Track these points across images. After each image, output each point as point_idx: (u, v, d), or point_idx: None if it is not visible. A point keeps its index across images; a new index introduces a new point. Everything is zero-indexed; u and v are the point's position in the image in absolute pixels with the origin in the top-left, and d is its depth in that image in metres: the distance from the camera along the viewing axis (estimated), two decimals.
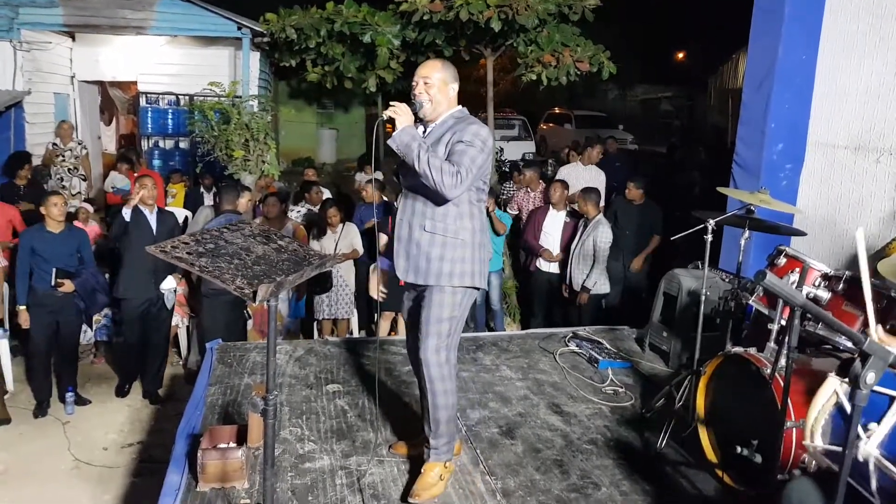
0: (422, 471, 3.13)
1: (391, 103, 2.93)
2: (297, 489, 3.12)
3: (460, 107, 3.09)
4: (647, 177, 7.20)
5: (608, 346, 4.96)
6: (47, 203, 5.26)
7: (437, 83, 3.00)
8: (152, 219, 5.54)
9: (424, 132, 3.06)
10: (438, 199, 2.93)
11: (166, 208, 6.46)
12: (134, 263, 5.48)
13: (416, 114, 2.97)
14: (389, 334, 6.36)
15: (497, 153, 11.98)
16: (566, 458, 3.49)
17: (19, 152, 7.78)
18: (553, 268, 6.54)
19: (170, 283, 5.65)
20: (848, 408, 2.33)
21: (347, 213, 7.15)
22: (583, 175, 7.64)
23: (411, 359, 3.33)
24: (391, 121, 2.90)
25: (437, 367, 3.01)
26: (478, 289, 3.09)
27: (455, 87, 3.07)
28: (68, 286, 5.29)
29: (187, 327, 6.50)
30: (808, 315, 2.84)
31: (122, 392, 5.92)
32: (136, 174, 8.33)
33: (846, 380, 1.41)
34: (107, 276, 5.96)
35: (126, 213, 5.36)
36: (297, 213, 7.25)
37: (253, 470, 3.16)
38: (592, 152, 7.99)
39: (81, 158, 8.66)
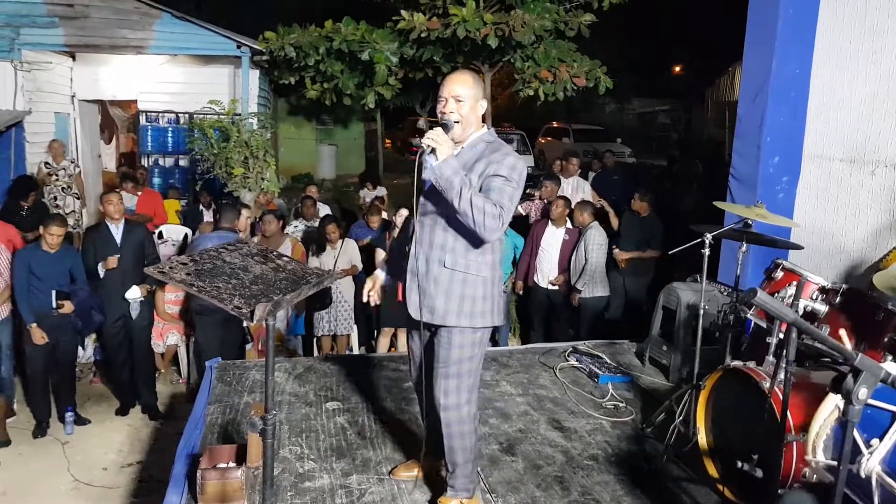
0: (437, 502, 3.08)
1: (426, 130, 2.65)
2: None
3: (487, 127, 2.89)
4: (650, 190, 7.20)
5: (608, 361, 4.96)
6: (48, 229, 5.25)
7: (468, 101, 2.74)
8: (118, 232, 5.59)
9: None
10: (464, 233, 2.71)
11: (167, 225, 6.48)
12: (104, 280, 5.55)
13: (444, 125, 2.71)
14: (389, 350, 6.36)
15: None
16: (567, 475, 3.48)
17: (26, 178, 7.79)
18: (553, 287, 6.53)
19: (134, 293, 5.65)
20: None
21: (348, 229, 7.17)
22: (564, 188, 7.67)
23: (417, 390, 3.21)
24: (431, 149, 2.60)
25: (456, 410, 2.84)
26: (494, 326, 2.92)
27: (485, 105, 2.83)
28: (68, 307, 5.30)
29: (187, 346, 6.50)
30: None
31: (123, 412, 5.91)
32: (139, 193, 8.39)
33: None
34: None
35: (101, 270, 5.48)
36: (293, 227, 7.26)
37: (252, 490, 3.15)
38: (569, 166, 8.05)
39: (75, 177, 8.67)
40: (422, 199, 2.83)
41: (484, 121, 2.92)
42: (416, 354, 3.10)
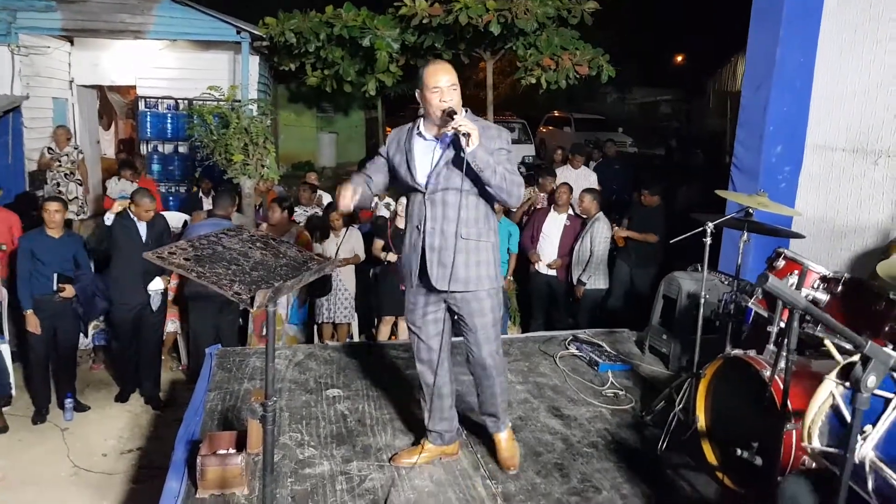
0: (503, 441, 3.39)
1: (455, 117, 2.82)
2: (297, 495, 3.11)
3: (464, 108, 3.03)
4: (658, 182, 7.19)
5: (608, 349, 4.96)
6: (45, 206, 5.26)
7: (458, 87, 2.99)
8: (142, 225, 5.54)
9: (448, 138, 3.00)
10: (472, 204, 3.00)
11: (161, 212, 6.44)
12: (123, 268, 5.50)
13: (452, 112, 2.87)
14: (390, 338, 6.36)
15: None
16: (567, 462, 3.48)
17: (30, 196, 7.73)
18: (551, 272, 6.54)
19: (157, 285, 5.64)
20: (844, 410, 2.33)
21: (351, 216, 7.14)
22: (571, 177, 7.69)
23: (427, 368, 3.27)
24: (462, 133, 2.79)
25: (502, 366, 3.28)
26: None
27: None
28: (69, 291, 5.29)
29: (185, 332, 6.50)
30: (808, 317, 2.83)
31: (123, 398, 5.91)
32: (138, 181, 8.36)
33: (844, 382, 1.41)
34: None
35: (108, 218, 5.38)
36: (297, 214, 7.24)
37: (253, 476, 3.15)
38: (574, 160, 8.10)
39: (78, 163, 8.65)
40: (431, 179, 3.03)
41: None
42: (429, 331, 3.23)
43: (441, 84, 2.92)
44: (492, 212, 3.15)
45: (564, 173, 7.99)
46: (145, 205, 5.44)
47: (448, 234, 3.00)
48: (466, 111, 2.99)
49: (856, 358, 1.52)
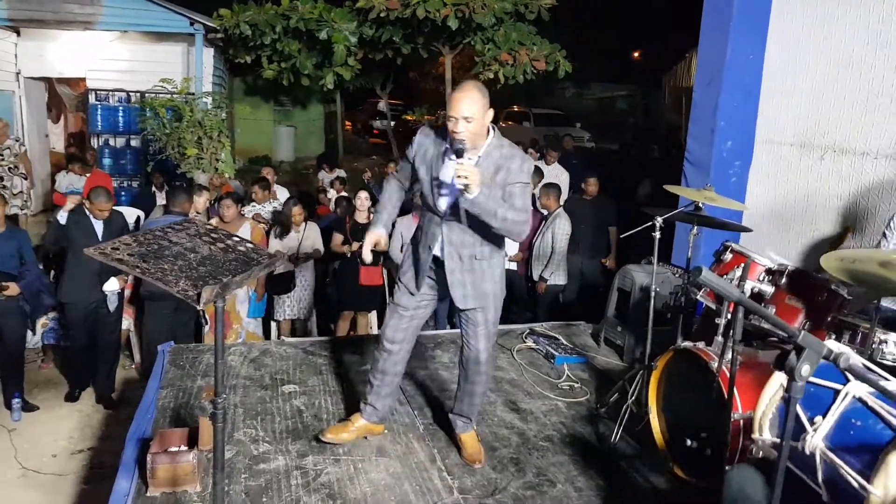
0: (469, 439, 3.48)
1: (458, 165, 2.80)
2: (252, 491, 3.08)
3: (491, 127, 3.04)
4: (601, 173, 7.30)
5: (564, 342, 5.01)
6: None
7: (478, 118, 2.89)
8: (98, 223, 5.41)
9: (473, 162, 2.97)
10: (485, 234, 3.09)
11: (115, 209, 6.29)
12: (78, 266, 5.36)
13: (459, 150, 2.84)
14: (349, 334, 6.32)
15: None
16: (522, 456, 3.51)
17: None
18: (510, 264, 6.58)
19: (113, 285, 5.51)
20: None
21: (309, 212, 7.08)
22: (546, 174, 7.76)
23: (392, 340, 3.39)
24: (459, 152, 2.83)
25: (493, 363, 3.54)
26: None
27: (491, 113, 2.99)
28: (13, 289, 5.13)
29: (138, 331, 6.37)
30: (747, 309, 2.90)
31: (72, 397, 5.77)
32: (88, 174, 8.16)
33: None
34: (51, 279, 5.81)
35: (62, 216, 5.26)
36: (247, 212, 7.13)
37: (206, 473, 3.11)
38: (548, 156, 8.15)
39: (21, 156, 8.39)
40: (446, 205, 3.10)
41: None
42: (413, 317, 3.38)
43: (455, 113, 2.86)
44: None
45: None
46: (100, 203, 5.30)
47: (464, 256, 3.16)
48: (493, 131, 3.02)
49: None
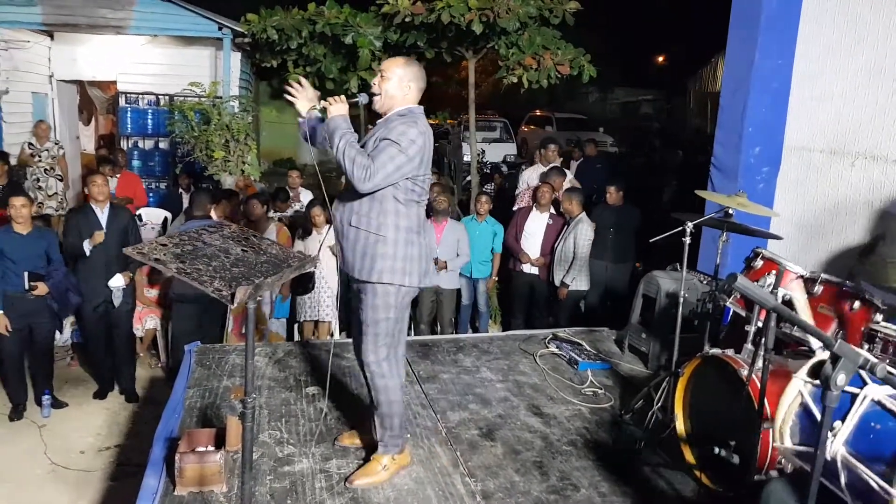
0: (370, 459, 3.27)
1: (330, 98, 3.01)
2: (276, 493, 3.10)
3: (413, 106, 3.09)
4: (625, 179, 7.25)
5: (588, 348, 4.99)
6: (11, 202, 5.18)
7: (393, 78, 3.03)
8: (103, 216, 5.51)
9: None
10: (359, 194, 2.96)
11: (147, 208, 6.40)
12: (87, 263, 5.46)
13: (352, 94, 3.10)
14: None
15: (479, 155, 12.00)
16: (546, 460, 3.50)
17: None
18: (534, 269, 6.58)
19: (118, 281, 5.58)
20: (813, 408, 2.36)
21: None
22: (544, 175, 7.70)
23: (356, 355, 3.39)
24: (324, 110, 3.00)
25: (376, 366, 3.11)
26: (414, 287, 3.11)
27: (415, 86, 3.07)
28: (42, 289, 5.22)
29: (165, 330, 6.45)
30: (782, 317, 2.86)
31: (101, 395, 5.86)
32: (118, 176, 8.28)
33: (814, 381, 1.43)
34: None
35: (87, 248, 5.38)
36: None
37: (231, 474, 3.14)
38: (548, 153, 7.99)
39: (58, 158, 8.55)
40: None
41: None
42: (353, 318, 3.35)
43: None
44: (399, 208, 3.05)
45: (536, 172, 7.99)
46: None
47: (343, 221, 3.07)
48: (410, 111, 3.06)
49: (825, 356, 1.55)
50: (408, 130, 2.93)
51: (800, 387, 2.44)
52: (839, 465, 2.20)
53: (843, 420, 2.23)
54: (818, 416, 2.22)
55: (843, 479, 2.20)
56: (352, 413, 3.90)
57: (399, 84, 3.04)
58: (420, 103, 3.15)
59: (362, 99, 3.07)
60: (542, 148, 8.09)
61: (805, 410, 2.47)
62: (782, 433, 2.50)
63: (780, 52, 5.11)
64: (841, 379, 1.52)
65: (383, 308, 3.05)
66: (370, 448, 3.36)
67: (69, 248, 5.49)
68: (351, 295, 3.36)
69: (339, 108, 2.97)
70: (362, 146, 2.99)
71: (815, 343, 3.05)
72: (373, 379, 3.14)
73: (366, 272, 3.01)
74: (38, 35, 9.53)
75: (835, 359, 1.51)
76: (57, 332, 5.93)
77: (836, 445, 2.19)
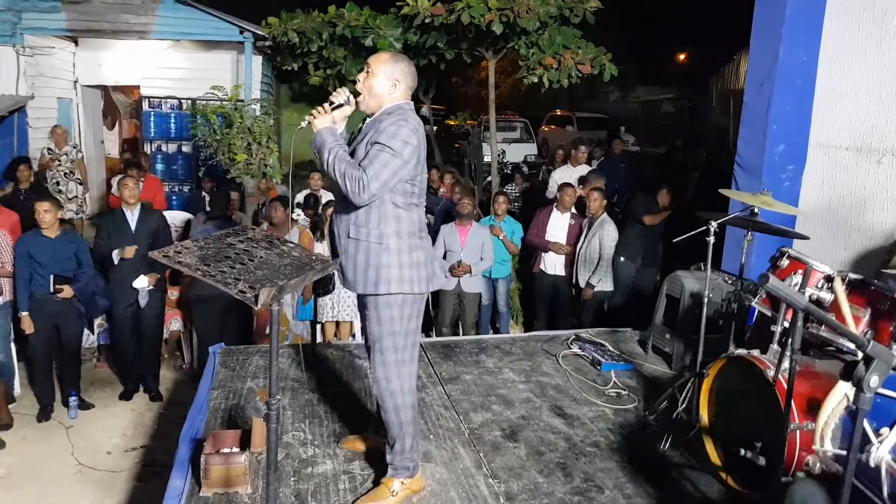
0: (380, 482, 3.09)
1: (313, 111, 2.88)
2: (301, 494, 3.12)
3: (402, 102, 2.90)
4: (648, 176, 7.21)
5: (611, 349, 4.96)
6: (36, 207, 5.27)
7: (378, 74, 2.85)
8: (132, 218, 5.59)
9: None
10: (354, 204, 2.79)
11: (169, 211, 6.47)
12: (116, 265, 5.54)
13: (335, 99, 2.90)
14: None
15: (499, 155, 11.97)
16: (569, 461, 3.48)
17: (17, 157, 7.79)
18: (558, 269, 6.57)
19: (142, 282, 5.65)
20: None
21: None
22: (572, 176, 7.71)
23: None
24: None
25: (386, 382, 2.94)
26: (423, 294, 2.96)
27: (403, 82, 2.88)
28: (67, 291, 5.30)
29: (189, 331, 6.52)
30: (812, 318, 2.82)
31: (127, 396, 5.93)
32: (142, 179, 8.38)
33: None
34: None
35: (115, 257, 5.48)
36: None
37: (256, 475, 3.16)
38: (578, 154, 8.03)
39: (77, 162, 8.68)
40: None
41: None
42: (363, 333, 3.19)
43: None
44: (399, 213, 2.89)
45: (564, 174, 8.01)
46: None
47: (341, 233, 2.95)
48: (399, 109, 2.85)
49: (858, 357, 1.52)
50: (399, 131, 2.75)
51: (846, 390, 2.37)
52: (883, 473, 2.13)
53: (890, 427, 2.16)
54: (864, 421, 2.17)
55: (885, 489, 2.14)
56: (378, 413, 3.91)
57: (384, 80, 2.86)
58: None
59: (343, 100, 2.89)
60: (573, 149, 8.14)
61: (850, 415, 2.41)
62: (824, 436, 2.44)
63: (804, 48, 5.04)
64: (874, 381, 1.49)
65: (391, 321, 2.89)
66: (373, 451, 3.34)
67: (98, 251, 5.58)
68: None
69: (322, 120, 2.83)
70: (352, 153, 2.84)
71: (846, 344, 2.99)
72: (382, 397, 2.96)
73: (371, 285, 2.84)
74: (62, 41, 9.69)
75: (867, 360, 1.48)
76: (85, 333, 6.02)
77: (882, 452, 2.12)
